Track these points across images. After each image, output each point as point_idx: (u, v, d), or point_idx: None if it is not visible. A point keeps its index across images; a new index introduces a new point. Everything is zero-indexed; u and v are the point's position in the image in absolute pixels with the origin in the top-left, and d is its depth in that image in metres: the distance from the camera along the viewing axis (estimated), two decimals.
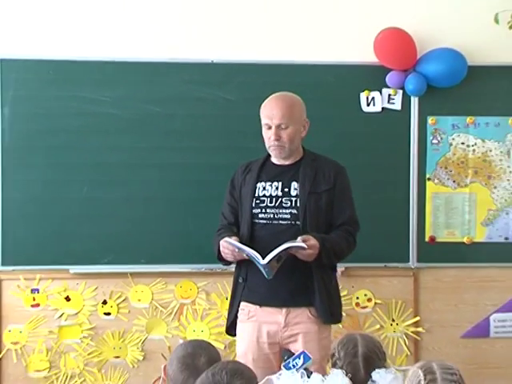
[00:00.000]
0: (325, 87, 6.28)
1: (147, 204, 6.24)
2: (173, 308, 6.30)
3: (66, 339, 6.26)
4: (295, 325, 4.97)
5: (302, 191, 4.98)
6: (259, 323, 5.04)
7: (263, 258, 4.75)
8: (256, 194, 5.07)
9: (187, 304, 6.31)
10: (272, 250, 4.77)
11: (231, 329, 5.19)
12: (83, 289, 6.26)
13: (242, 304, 5.13)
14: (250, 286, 5.10)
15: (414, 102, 6.34)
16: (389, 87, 6.29)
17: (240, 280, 5.14)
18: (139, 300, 6.29)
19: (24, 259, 6.17)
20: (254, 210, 5.06)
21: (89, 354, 6.26)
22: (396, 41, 6.21)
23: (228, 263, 5.15)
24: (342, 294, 5.83)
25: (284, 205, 5.02)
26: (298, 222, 4.96)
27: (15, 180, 6.14)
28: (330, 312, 5.03)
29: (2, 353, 6.23)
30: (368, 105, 6.35)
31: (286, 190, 5.04)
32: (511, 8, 6.24)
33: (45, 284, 6.22)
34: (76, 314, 6.25)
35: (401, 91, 6.29)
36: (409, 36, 6.19)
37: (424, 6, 6.36)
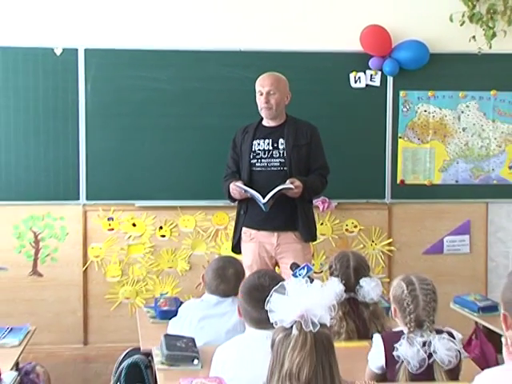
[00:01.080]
0: (323, 69, 7.20)
1: (190, 156, 7.14)
2: (210, 232, 7.28)
3: (133, 254, 7.24)
4: (285, 244, 5.98)
5: (287, 145, 5.96)
6: (259, 243, 6.02)
7: (263, 197, 5.72)
8: (253, 149, 6.03)
9: (221, 229, 7.29)
10: (267, 190, 5.70)
11: (236, 248, 6.17)
12: (145, 218, 7.22)
13: (244, 229, 6.09)
14: (250, 216, 6.04)
15: (390, 80, 7.31)
16: (371, 69, 7.25)
17: (242, 212, 6.10)
18: (186, 226, 7.27)
19: (102, 195, 7.13)
20: (251, 161, 6.02)
21: (149, 265, 7.25)
22: (376, 34, 7.14)
23: (234, 200, 6.10)
24: (334, 223, 7.23)
25: (274, 156, 6.00)
26: (285, 168, 5.94)
27: (96, 137, 7.07)
28: (310, 234, 6.08)
29: (87, 263, 7.18)
30: (355, 82, 7.29)
31: (275, 144, 6.00)
32: (462, 10, 7.10)
33: (117, 214, 7.18)
34: (140, 236, 7.23)
35: (380, 72, 7.25)
36: (386, 31, 7.10)
37: (397, 8, 7.23)
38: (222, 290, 4.54)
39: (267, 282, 3.75)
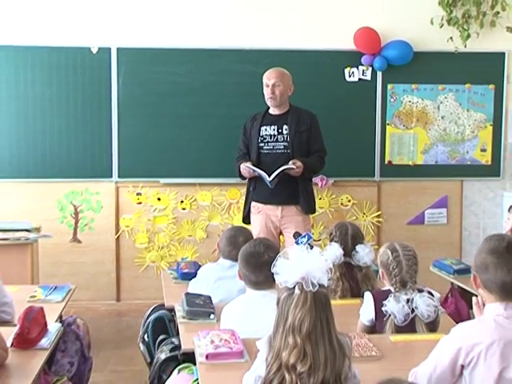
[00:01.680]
0: (321, 65, 7.20)
1: (207, 140, 7.16)
2: (224, 205, 7.32)
3: (158, 224, 7.29)
4: (288, 216, 6.04)
5: (291, 131, 5.99)
6: (265, 215, 6.09)
7: (269, 176, 5.77)
8: (260, 134, 6.05)
9: (233, 203, 7.33)
10: (273, 170, 5.76)
11: (246, 219, 6.22)
12: (168, 193, 7.26)
13: (253, 203, 6.15)
14: (258, 192, 6.08)
15: (379, 75, 7.31)
16: (363, 65, 7.24)
17: (251, 188, 6.15)
18: (203, 200, 7.30)
19: (132, 174, 7.19)
20: (259, 144, 6.05)
21: (172, 234, 7.30)
22: (368, 35, 7.15)
23: (244, 178, 6.15)
24: (331, 198, 7.25)
25: (279, 140, 6.03)
26: (288, 151, 5.98)
27: (126, 124, 7.11)
28: (309, 207, 6.13)
29: (119, 232, 7.25)
30: (349, 76, 7.28)
31: (280, 130, 6.02)
32: (441, 14, 7.14)
33: (144, 190, 7.24)
34: (164, 208, 7.28)
35: (370, 68, 7.25)
36: (375, 32, 7.12)
37: (385, 12, 7.22)
38: (234, 255, 4.49)
39: (262, 249, 3.83)
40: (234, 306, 3.90)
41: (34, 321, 3.77)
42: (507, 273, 2.95)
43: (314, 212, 6.38)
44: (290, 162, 5.83)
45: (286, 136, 6.02)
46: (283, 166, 5.78)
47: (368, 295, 3.98)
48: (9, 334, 3.67)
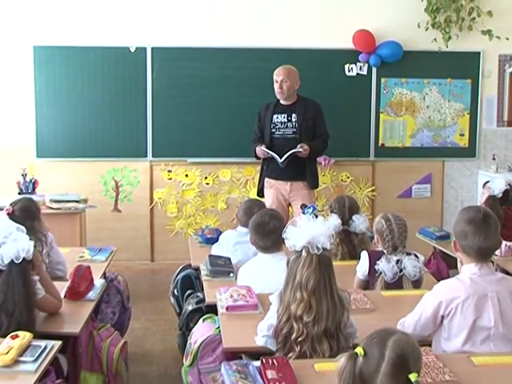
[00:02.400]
0: (324, 61, 7.15)
1: (227, 125, 7.15)
2: (242, 181, 7.33)
3: (186, 197, 7.31)
4: (296, 190, 6.07)
5: (298, 119, 5.98)
6: (276, 189, 6.11)
7: (280, 158, 5.84)
8: (273, 121, 6.04)
9: (249, 179, 7.31)
10: (284, 152, 5.81)
11: (260, 193, 6.21)
12: (194, 170, 7.27)
13: (266, 179, 6.16)
14: (271, 170, 6.10)
15: (374, 70, 7.28)
16: (360, 62, 7.22)
17: (264, 167, 6.17)
18: (224, 176, 7.31)
19: (164, 154, 7.21)
20: (272, 130, 6.04)
21: (197, 205, 7.32)
22: (364, 37, 7.11)
23: (259, 158, 6.13)
24: (333, 175, 7.27)
25: (289, 126, 6.03)
26: (297, 136, 5.98)
27: (159, 112, 7.11)
28: (314, 182, 6.15)
29: (153, 203, 7.28)
30: (348, 71, 7.25)
31: (289, 118, 6.02)
32: (426, 19, 7.08)
33: (174, 167, 7.24)
34: (191, 183, 7.29)
35: (367, 64, 7.22)
36: (371, 34, 7.09)
37: (379, 17, 7.16)
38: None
39: (267, 219, 3.87)
40: (250, 266, 3.94)
41: (82, 277, 3.83)
42: (484, 240, 3.01)
43: (318, 187, 6.38)
44: (298, 146, 5.84)
45: (294, 123, 6.01)
46: (292, 150, 5.80)
47: (364, 253, 4.03)
48: (62, 287, 3.74)
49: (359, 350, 2.02)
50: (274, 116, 6.07)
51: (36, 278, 3.36)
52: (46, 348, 2.94)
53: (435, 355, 2.87)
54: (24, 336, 2.94)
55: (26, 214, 4.20)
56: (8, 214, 4.07)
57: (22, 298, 3.15)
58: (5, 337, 2.95)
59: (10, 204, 4.24)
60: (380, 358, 1.99)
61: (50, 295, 3.47)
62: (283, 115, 6.06)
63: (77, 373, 3.56)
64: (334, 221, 4.02)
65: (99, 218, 7.03)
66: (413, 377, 1.95)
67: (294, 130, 6.01)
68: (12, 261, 3.15)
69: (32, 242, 3.25)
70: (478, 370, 2.79)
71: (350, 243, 4.59)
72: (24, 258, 3.17)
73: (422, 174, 7.59)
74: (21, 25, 6.96)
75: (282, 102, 6.10)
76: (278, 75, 5.99)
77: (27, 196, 5.39)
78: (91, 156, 7.16)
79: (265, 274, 3.77)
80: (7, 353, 2.81)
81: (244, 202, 4.96)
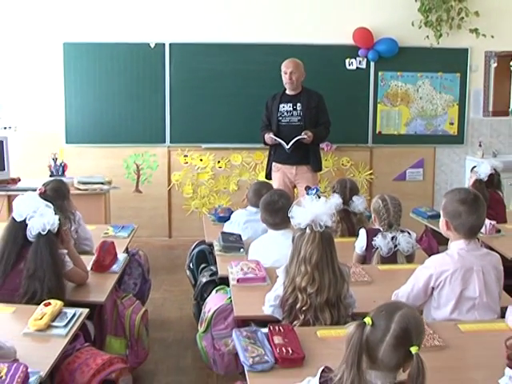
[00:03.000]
0: (327, 56, 7.15)
1: (238, 114, 7.12)
2: (251, 165, 7.33)
3: (200, 179, 7.31)
4: (300, 174, 6.06)
5: (303, 108, 5.96)
6: (283, 173, 6.10)
7: (287, 144, 5.84)
8: (279, 110, 6.02)
9: (258, 163, 7.30)
10: (290, 139, 5.81)
11: (268, 176, 6.17)
12: (208, 155, 7.28)
13: (274, 163, 6.14)
14: (278, 155, 6.07)
15: (372, 64, 7.26)
16: (359, 56, 7.21)
17: (272, 152, 6.15)
18: (235, 161, 7.31)
19: (181, 140, 7.22)
20: (278, 118, 6.01)
21: (211, 186, 7.34)
22: (363, 33, 7.11)
23: (267, 145, 6.10)
24: (334, 159, 7.23)
25: (294, 115, 6.00)
26: (301, 123, 5.95)
27: (176, 102, 7.13)
28: (317, 166, 6.14)
29: (171, 185, 7.29)
30: (349, 65, 7.25)
31: (295, 107, 5.99)
32: (420, 18, 7.08)
33: (190, 152, 7.26)
34: (205, 167, 7.31)
35: (366, 59, 7.21)
36: (370, 31, 7.09)
37: (377, 15, 7.13)
38: (259, 203, 4.43)
39: (276, 198, 3.87)
40: (259, 242, 3.94)
41: (107, 251, 3.86)
42: (476, 218, 3.05)
43: (321, 170, 6.35)
44: (303, 133, 5.83)
45: (299, 111, 5.99)
46: (297, 137, 5.80)
47: (362, 231, 4.03)
48: (89, 261, 3.78)
49: (368, 320, 2.02)
50: (281, 105, 6.04)
51: (64, 251, 3.41)
52: (75, 315, 2.99)
53: (426, 323, 2.88)
54: (56, 304, 2.98)
55: (57, 193, 4.23)
56: (40, 194, 4.11)
57: (50, 266, 3.19)
58: (39, 304, 2.99)
59: (43, 184, 4.28)
60: (386, 329, 2.00)
61: (77, 268, 3.51)
62: (289, 104, 6.03)
63: (103, 337, 3.60)
64: (336, 200, 4.12)
65: (122, 198, 7.04)
66: (414, 349, 1.96)
67: (299, 117, 5.98)
68: (39, 233, 3.19)
69: (57, 216, 3.29)
70: (464, 335, 2.84)
71: (349, 221, 4.57)
72: (50, 231, 3.22)
73: (415, 159, 7.57)
74: (52, 24, 6.97)
75: (287, 92, 6.06)
76: (288, 67, 5.96)
77: (58, 178, 5.46)
78: (115, 142, 7.17)
79: (272, 248, 3.77)
80: (41, 318, 2.86)
81: (253, 184, 4.93)
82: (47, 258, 3.19)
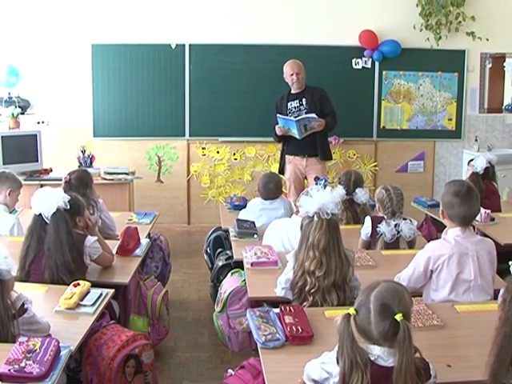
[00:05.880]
0: (335, 57, 7.11)
1: (253, 109, 7.07)
2: (264, 157, 7.28)
3: (217, 170, 7.27)
4: (311, 165, 6.01)
5: (308, 102, 5.94)
6: (294, 164, 6.05)
7: (295, 119, 5.69)
8: (288, 107, 5.99)
9: (271, 155, 7.26)
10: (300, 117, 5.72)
11: (282, 171, 6.11)
12: (225, 147, 7.25)
13: (286, 155, 6.09)
14: (289, 148, 6.04)
15: (377, 64, 7.21)
16: (365, 57, 7.16)
17: (284, 147, 6.09)
18: (250, 153, 7.26)
19: (199, 134, 7.18)
20: (288, 115, 5.93)
21: (227, 177, 7.29)
22: (369, 36, 7.07)
23: (279, 141, 6.09)
24: (341, 152, 7.19)
25: (301, 109, 5.95)
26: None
27: (195, 98, 7.09)
28: (326, 157, 6.08)
29: (190, 175, 7.24)
30: (355, 65, 7.20)
31: (301, 102, 5.96)
32: (421, 22, 7.00)
33: (207, 145, 7.21)
34: (221, 159, 7.26)
35: (371, 59, 7.17)
36: (374, 33, 7.05)
37: (381, 19, 7.07)
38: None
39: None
40: (271, 229, 3.96)
41: (131, 237, 3.89)
42: (467, 209, 3.08)
43: (331, 159, 6.28)
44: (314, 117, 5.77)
45: (306, 106, 5.95)
46: (308, 115, 5.77)
47: (368, 218, 4.04)
48: (114, 245, 3.82)
49: (351, 311, 2.07)
50: (289, 103, 6.03)
51: (95, 237, 3.43)
52: (101, 295, 3.03)
53: (425, 304, 2.93)
54: (84, 284, 3.02)
55: (80, 182, 4.27)
56: (65, 182, 4.17)
57: (65, 241, 3.22)
58: (68, 284, 3.03)
59: (68, 173, 4.32)
60: (367, 311, 2.04)
61: (105, 252, 3.54)
62: (296, 101, 6.01)
63: (127, 315, 3.65)
64: (340, 191, 4.08)
65: (144, 187, 7.04)
66: (398, 316, 1.99)
67: (306, 110, 5.93)
68: (54, 213, 3.23)
69: (66, 195, 3.32)
70: (461, 315, 2.88)
71: (353, 210, 4.56)
72: (60, 210, 3.25)
73: (417, 152, 7.53)
74: (81, 27, 6.97)
75: (292, 91, 6.03)
76: (294, 68, 5.94)
77: (82, 168, 5.49)
78: (138, 135, 7.17)
79: (282, 235, 3.80)
80: (71, 298, 2.91)
81: (263, 176, 4.89)
82: (61, 234, 3.21)
